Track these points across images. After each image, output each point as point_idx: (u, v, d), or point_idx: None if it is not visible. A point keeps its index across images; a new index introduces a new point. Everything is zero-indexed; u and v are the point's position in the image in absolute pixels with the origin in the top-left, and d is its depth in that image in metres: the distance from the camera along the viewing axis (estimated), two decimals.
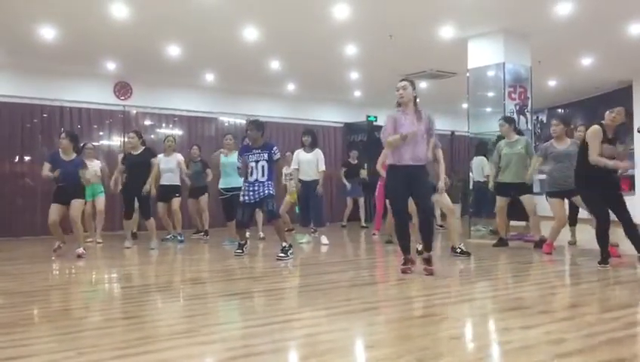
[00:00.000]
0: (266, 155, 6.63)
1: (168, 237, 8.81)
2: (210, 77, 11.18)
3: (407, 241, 5.27)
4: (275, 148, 6.78)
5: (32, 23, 7.71)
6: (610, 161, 5.40)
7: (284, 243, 6.50)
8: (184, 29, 8.15)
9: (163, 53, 9.22)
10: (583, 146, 5.60)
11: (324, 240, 8.13)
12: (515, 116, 8.25)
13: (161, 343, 3.00)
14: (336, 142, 13.68)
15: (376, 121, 13.26)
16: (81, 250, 6.82)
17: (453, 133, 14.70)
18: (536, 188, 8.50)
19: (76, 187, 6.94)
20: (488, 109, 8.85)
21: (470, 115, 8.89)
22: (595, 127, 5.50)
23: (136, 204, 7.94)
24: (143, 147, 8.05)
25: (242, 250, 6.83)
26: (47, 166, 6.92)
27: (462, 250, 6.48)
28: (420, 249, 5.89)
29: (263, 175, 6.60)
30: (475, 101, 8.86)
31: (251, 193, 6.60)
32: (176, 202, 8.74)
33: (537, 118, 14.39)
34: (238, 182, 7.29)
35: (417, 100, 5.29)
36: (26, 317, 3.73)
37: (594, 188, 5.53)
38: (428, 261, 5.13)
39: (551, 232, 6.78)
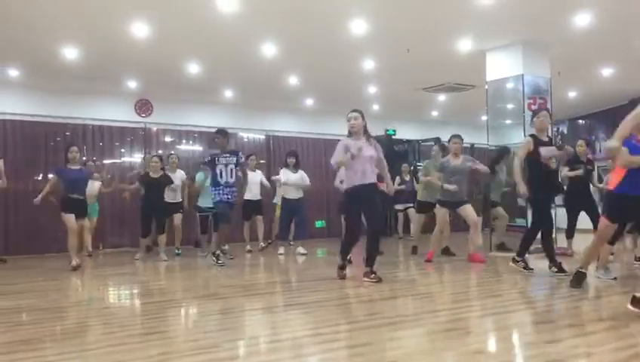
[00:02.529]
0: (234, 160, 7.33)
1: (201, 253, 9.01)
2: (229, 93, 11.28)
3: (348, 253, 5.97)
4: (240, 153, 7.61)
5: (55, 43, 7.87)
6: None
7: (218, 251, 7.35)
8: (203, 47, 8.25)
9: (183, 71, 9.34)
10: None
11: (301, 250, 8.83)
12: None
13: (183, 359, 3.01)
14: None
15: (395, 134, 13.24)
16: (76, 262, 7.16)
17: (472, 145, 14.62)
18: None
19: (84, 201, 7.48)
20: (508, 121, 8.80)
21: (490, 127, 8.85)
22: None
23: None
24: (162, 171, 8.60)
25: (220, 259, 7.30)
26: (52, 177, 7.57)
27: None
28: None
29: (231, 177, 7.29)
30: (494, 113, 8.82)
31: (223, 194, 7.28)
32: (177, 218, 9.15)
33: (558, 129, 14.26)
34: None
35: (367, 129, 5.82)
36: (50, 333, 3.77)
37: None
38: (369, 274, 5.56)
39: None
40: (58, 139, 10.43)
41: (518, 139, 8.24)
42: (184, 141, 11.69)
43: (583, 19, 7.33)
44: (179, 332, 3.76)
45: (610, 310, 4.24)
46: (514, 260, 6.11)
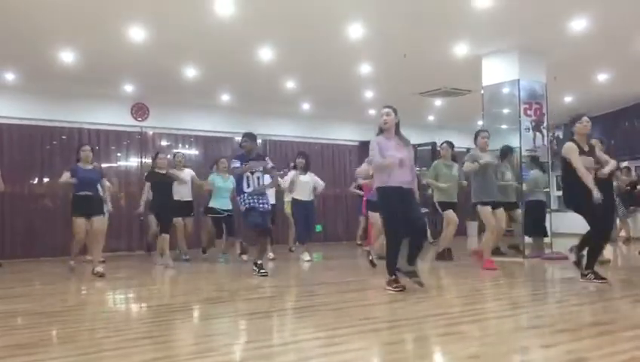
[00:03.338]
0: (260, 166, 6.79)
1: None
2: (225, 97, 11.29)
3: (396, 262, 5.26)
4: (267, 157, 7.10)
5: (51, 46, 7.87)
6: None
7: (259, 261, 6.68)
8: (200, 51, 8.26)
9: (179, 75, 9.34)
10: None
11: (306, 256, 8.45)
12: (531, 133, 8.26)
13: None
14: (352, 161, 13.70)
15: None
16: (101, 269, 6.85)
17: (469, 150, 14.62)
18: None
19: (97, 198, 7.10)
20: (504, 126, 8.82)
21: None
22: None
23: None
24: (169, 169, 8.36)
25: (262, 268, 6.65)
26: (66, 174, 7.13)
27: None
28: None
29: (258, 185, 6.73)
30: (490, 118, 8.84)
31: (254, 201, 6.62)
32: (189, 221, 9.06)
33: (554, 134, 14.30)
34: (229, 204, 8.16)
35: (399, 126, 5.46)
36: (46, 337, 3.76)
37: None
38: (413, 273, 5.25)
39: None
40: (54, 142, 10.44)
41: (513, 143, 8.30)
42: (180, 145, 11.68)
43: (578, 25, 7.37)
44: (175, 337, 3.76)
45: (606, 314, 4.25)
46: (583, 276, 5.64)
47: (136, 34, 7.32)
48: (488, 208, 6.88)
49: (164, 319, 4.30)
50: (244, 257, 8.48)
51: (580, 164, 5.47)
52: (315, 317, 4.29)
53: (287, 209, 9.59)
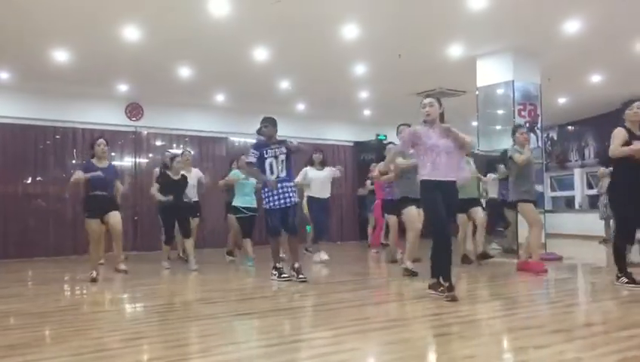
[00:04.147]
0: (284, 149, 6.24)
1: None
2: (220, 97, 11.28)
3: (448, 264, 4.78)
4: (288, 140, 6.46)
5: (46, 46, 7.84)
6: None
7: (297, 264, 6.12)
8: (194, 51, 8.24)
9: (174, 75, 9.32)
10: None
11: (323, 256, 8.06)
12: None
13: None
14: (347, 161, 13.71)
15: (386, 139, 13.26)
16: (123, 266, 6.71)
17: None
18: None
19: (111, 197, 6.60)
20: (498, 127, 8.86)
21: (480, 132, 8.89)
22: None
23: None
24: (182, 172, 7.87)
25: (283, 272, 6.16)
26: (79, 173, 6.43)
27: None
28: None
29: (283, 170, 6.15)
30: (484, 119, 8.87)
31: (276, 197, 6.07)
32: (194, 222, 8.48)
33: (548, 135, 14.36)
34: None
35: (444, 117, 4.99)
36: (39, 337, 3.75)
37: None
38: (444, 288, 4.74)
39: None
40: (48, 142, 10.40)
41: (507, 144, 8.30)
42: (175, 145, 11.64)
43: (572, 26, 7.40)
44: (167, 338, 3.74)
45: (600, 315, 4.27)
46: (618, 277, 5.29)
47: (131, 33, 7.30)
48: (530, 205, 6.48)
49: (158, 319, 4.28)
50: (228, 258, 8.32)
51: (618, 143, 5.05)
52: (310, 318, 4.28)
53: (304, 209, 8.86)
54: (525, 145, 6.58)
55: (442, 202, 4.71)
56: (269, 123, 6.36)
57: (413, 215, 6.35)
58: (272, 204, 6.07)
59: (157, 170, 8.43)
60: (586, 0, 6.74)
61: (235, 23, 7.06)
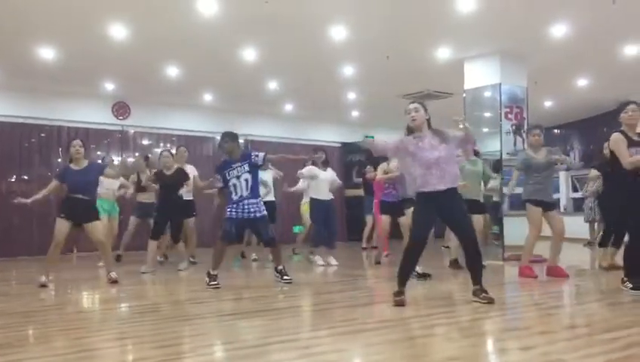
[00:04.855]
0: (246, 166, 5.91)
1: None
2: (208, 97, 11.24)
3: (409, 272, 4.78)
4: (253, 153, 6.10)
5: (32, 43, 7.77)
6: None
7: (280, 266, 6.09)
8: (182, 50, 8.21)
9: (161, 74, 9.28)
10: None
11: (332, 261, 7.83)
12: (511, 136, 8.33)
13: None
14: (334, 162, 13.68)
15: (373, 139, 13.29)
16: (114, 275, 6.24)
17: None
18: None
19: (92, 203, 6.17)
20: (485, 130, 8.91)
21: None
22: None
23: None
24: (176, 166, 7.53)
25: (215, 279, 5.84)
26: (53, 183, 6.22)
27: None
28: (420, 272, 5.98)
29: (247, 190, 5.86)
30: (471, 121, 8.78)
31: (240, 210, 5.85)
32: (191, 221, 8.31)
33: None
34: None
35: (430, 122, 4.75)
36: (21, 337, 3.71)
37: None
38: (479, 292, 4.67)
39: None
40: (33, 140, 10.33)
41: (494, 147, 8.39)
42: (162, 144, 11.60)
43: (559, 30, 7.47)
44: (153, 338, 3.71)
45: (584, 317, 4.30)
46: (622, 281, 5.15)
47: (118, 32, 7.26)
48: (538, 209, 6.34)
49: (143, 320, 4.26)
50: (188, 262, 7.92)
51: (626, 152, 4.91)
52: (297, 318, 4.28)
53: (305, 211, 8.71)
54: (539, 148, 6.46)
55: (440, 213, 4.62)
56: (229, 138, 6.10)
57: None
58: (233, 214, 5.88)
59: (133, 176, 8.33)
60: (573, 4, 6.81)
61: (224, 22, 7.04)
